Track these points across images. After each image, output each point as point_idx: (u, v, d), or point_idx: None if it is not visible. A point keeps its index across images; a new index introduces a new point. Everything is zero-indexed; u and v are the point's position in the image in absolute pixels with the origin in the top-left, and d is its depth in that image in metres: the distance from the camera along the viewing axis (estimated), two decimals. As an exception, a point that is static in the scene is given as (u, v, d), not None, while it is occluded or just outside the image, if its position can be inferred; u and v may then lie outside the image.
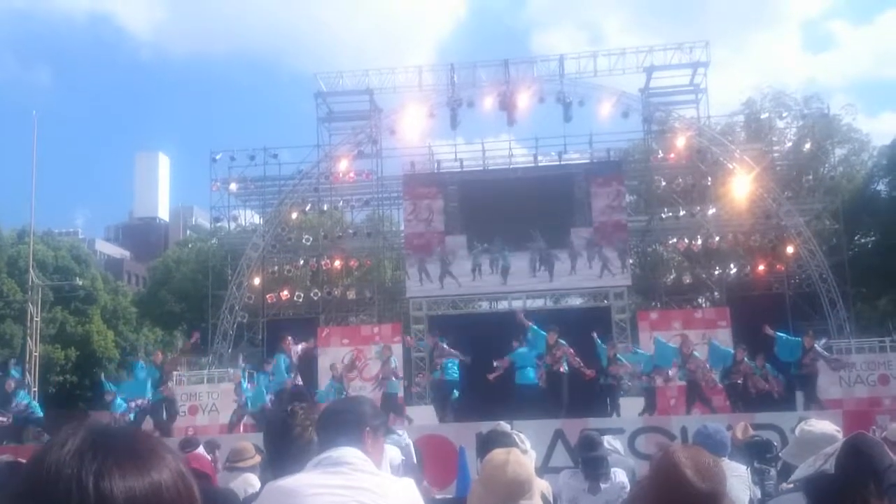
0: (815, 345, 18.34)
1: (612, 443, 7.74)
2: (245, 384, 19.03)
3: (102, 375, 20.92)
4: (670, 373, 18.90)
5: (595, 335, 18.94)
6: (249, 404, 18.38)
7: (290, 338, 19.28)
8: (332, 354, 23.23)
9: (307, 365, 20.39)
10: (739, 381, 17.78)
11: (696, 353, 18.35)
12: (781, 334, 18.68)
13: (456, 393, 18.19)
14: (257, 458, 6.54)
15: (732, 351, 18.56)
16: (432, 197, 27.66)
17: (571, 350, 18.04)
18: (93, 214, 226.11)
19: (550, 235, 26.71)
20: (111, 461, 1.10)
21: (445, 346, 18.46)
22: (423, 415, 20.43)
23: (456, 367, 18.19)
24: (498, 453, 2.75)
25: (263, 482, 3.77)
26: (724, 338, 21.74)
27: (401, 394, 19.94)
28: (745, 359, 18.11)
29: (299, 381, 18.73)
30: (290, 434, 3.52)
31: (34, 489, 1.09)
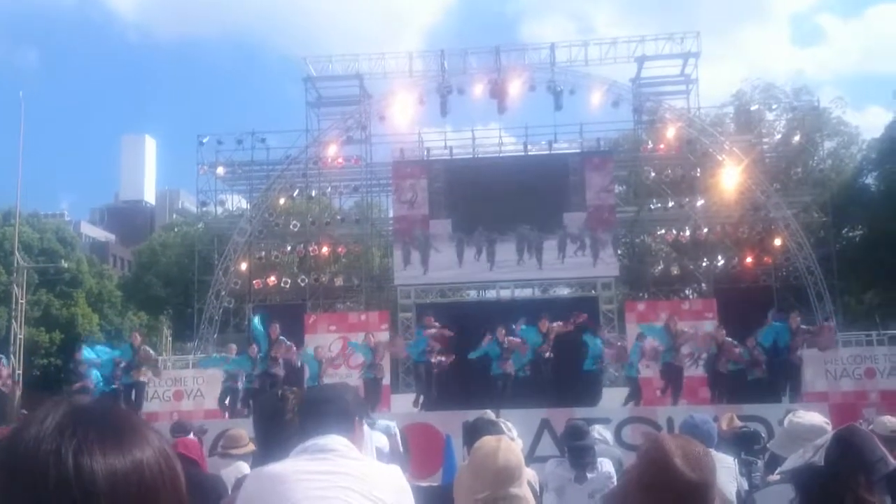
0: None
1: (602, 433, 7.74)
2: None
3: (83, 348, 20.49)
4: (656, 345, 18.72)
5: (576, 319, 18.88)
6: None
7: (277, 325, 19.16)
8: (319, 341, 23.17)
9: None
10: (724, 372, 17.82)
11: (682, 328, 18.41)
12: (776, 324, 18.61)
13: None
14: (251, 447, 6.50)
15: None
16: (416, 177, 27.51)
17: (560, 322, 18.17)
18: (78, 197, 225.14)
19: (540, 222, 26.54)
20: (92, 438, 1.06)
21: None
22: (409, 402, 20.43)
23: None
24: (488, 440, 2.72)
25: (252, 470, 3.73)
26: (710, 329, 21.76)
27: (387, 381, 19.91)
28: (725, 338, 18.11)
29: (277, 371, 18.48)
30: (281, 419, 3.49)
31: (11, 465, 1.05)
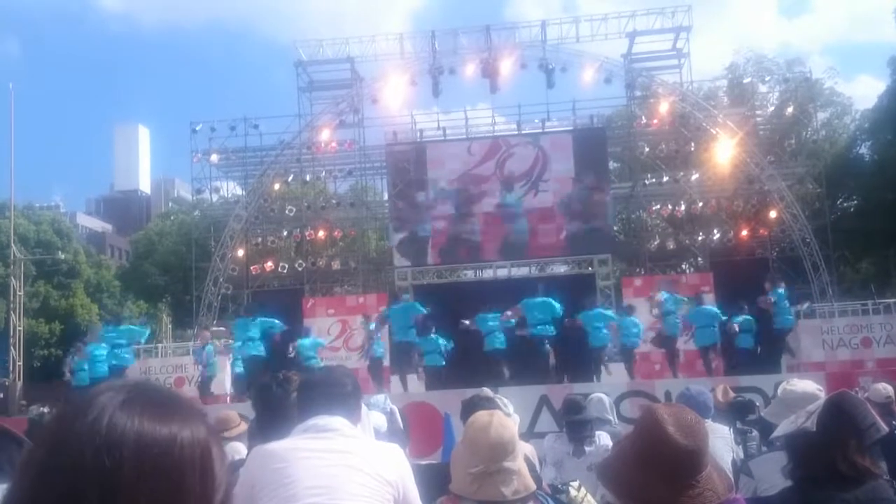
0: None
1: (603, 399, 7.72)
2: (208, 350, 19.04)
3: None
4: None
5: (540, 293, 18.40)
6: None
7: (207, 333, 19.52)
8: (319, 325, 23.20)
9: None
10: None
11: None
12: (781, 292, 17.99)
13: None
14: (243, 426, 6.54)
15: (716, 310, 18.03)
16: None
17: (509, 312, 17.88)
18: (73, 188, 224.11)
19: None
20: (139, 402, 1.13)
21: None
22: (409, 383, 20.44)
23: None
24: (481, 415, 2.75)
25: (251, 449, 3.78)
26: (708, 303, 21.75)
27: (386, 362, 19.92)
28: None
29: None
30: (286, 401, 3.53)
31: (67, 412, 1.15)
